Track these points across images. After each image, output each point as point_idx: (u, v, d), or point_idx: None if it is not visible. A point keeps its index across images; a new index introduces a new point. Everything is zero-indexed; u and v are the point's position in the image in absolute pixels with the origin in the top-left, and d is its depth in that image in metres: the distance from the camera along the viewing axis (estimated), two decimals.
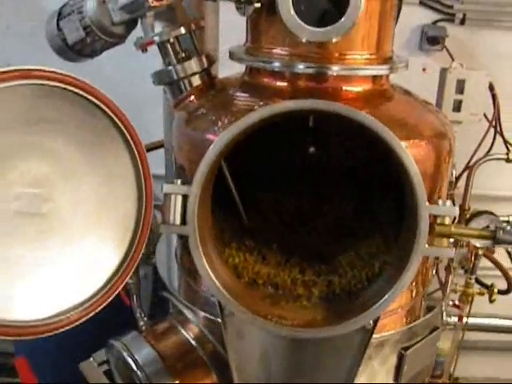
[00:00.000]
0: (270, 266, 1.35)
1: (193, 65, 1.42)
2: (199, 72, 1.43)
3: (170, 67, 1.42)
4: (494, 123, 2.05)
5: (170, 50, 1.41)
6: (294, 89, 1.35)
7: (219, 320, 1.27)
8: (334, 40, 1.23)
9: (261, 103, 1.33)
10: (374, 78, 1.37)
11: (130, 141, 1.12)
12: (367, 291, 1.26)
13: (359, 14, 1.20)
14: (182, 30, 1.40)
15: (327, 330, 1.15)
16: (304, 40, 1.24)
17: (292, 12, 1.21)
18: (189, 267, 1.47)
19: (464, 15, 2.14)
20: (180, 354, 1.38)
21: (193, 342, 1.39)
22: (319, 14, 1.22)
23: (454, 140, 1.40)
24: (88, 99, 1.06)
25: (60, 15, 1.52)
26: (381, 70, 1.35)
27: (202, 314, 1.40)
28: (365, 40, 1.32)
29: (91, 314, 1.09)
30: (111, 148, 1.12)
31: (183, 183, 1.17)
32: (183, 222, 1.16)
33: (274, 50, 1.34)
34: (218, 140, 1.15)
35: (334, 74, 1.30)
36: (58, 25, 1.51)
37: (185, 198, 1.17)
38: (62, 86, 1.04)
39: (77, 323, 1.08)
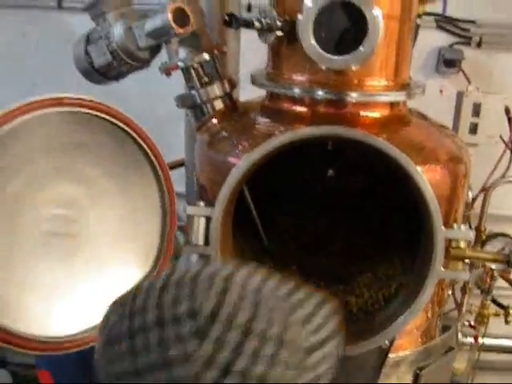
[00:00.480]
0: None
1: (215, 89, 1.47)
2: (221, 96, 1.48)
3: (193, 91, 1.47)
4: (510, 146, 2.08)
5: (194, 74, 1.46)
6: (313, 114, 1.39)
7: None
8: (353, 68, 1.27)
9: (281, 128, 1.37)
10: (392, 103, 1.40)
11: (159, 170, 1.16)
12: (384, 311, 1.29)
13: (378, 42, 1.24)
14: (206, 56, 1.45)
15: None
16: (324, 68, 1.29)
17: (312, 41, 1.25)
18: None
19: (480, 38, 2.16)
20: None
21: None
22: (338, 40, 1.26)
23: (469, 163, 1.43)
24: (117, 125, 1.12)
25: (88, 40, 1.58)
26: (398, 96, 1.38)
27: None
28: (383, 67, 1.36)
29: None
30: (138, 174, 1.17)
31: (206, 205, 1.22)
32: (206, 242, 1.21)
33: (295, 77, 1.38)
34: (240, 165, 1.20)
35: (353, 101, 1.34)
36: (85, 49, 1.57)
37: (208, 219, 1.21)
38: (91, 112, 1.09)
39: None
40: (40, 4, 2.17)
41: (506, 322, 1.95)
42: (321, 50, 1.25)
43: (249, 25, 1.32)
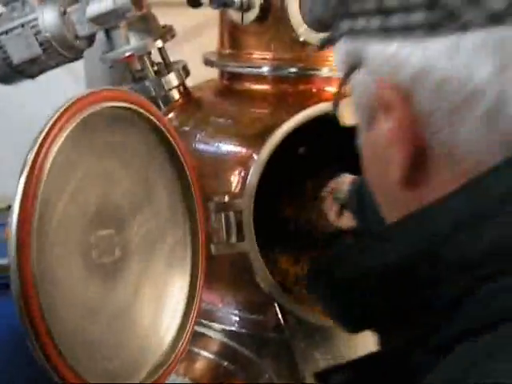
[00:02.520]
0: (289, 265, 1.37)
1: (173, 78, 1.34)
2: (177, 86, 1.36)
3: (147, 82, 1.32)
4: None
5: (148, 64, 1.32)
6: (280, 92, 1.36)
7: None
8: None
9: (255, 110, 1.34)
10: None
11: (187, 173, 1.04)
12: None
13: None
14: (160, 43, 1.32)
15: None
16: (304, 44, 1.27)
17: (299, 17, 1.23)
18: None
19: None
20: (213, 376, 1.31)
21: (223, 362, 1.34)
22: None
23: None
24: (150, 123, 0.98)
25: None
26: None
27: (223, 327, 1.34)
28: None
29: None
30: (163, 179, 1.03)
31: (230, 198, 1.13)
32: (239, 238, 1.12)
33: (260, 55, 1.34)
34: (263, 152, 1.14)
35: (323, 76, 1.35)
36: None
37: (236, 213, 1.13)
38: (133, 107, 0.93)
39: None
40: None
41: None
42: (308, 28, 1.23)
43: (226, 4, 1.23)
